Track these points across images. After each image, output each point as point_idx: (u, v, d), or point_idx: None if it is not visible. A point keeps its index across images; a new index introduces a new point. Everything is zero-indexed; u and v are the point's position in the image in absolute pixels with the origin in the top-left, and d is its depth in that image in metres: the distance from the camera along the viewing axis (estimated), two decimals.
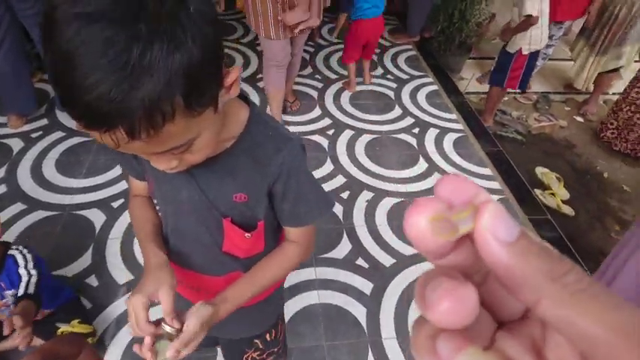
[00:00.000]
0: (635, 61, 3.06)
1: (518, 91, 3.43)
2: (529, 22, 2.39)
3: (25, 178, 2.08)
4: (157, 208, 0.83)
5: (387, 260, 1.90)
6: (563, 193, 2.47)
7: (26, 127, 2.36)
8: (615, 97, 2.97)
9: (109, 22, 0.38)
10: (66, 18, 0.38)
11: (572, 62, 3.37)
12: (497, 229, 0.15)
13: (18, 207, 1.95)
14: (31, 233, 1.84)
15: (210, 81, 0.48)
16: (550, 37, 3.05)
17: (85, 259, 1.79)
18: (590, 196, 2.62)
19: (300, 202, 0.71)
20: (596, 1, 2.84)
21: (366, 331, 1.65)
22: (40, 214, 1.93)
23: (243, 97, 0.69)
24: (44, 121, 2.41)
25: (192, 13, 0.42)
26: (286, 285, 1.76)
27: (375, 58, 3.27)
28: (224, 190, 0.68)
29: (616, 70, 3.08)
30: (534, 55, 2.66)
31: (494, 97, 2.82)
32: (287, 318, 1.66)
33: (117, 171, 2.18)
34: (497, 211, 0.16)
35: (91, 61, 0.38)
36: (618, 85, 3.25)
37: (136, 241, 1.86)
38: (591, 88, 3.28)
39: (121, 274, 1.74)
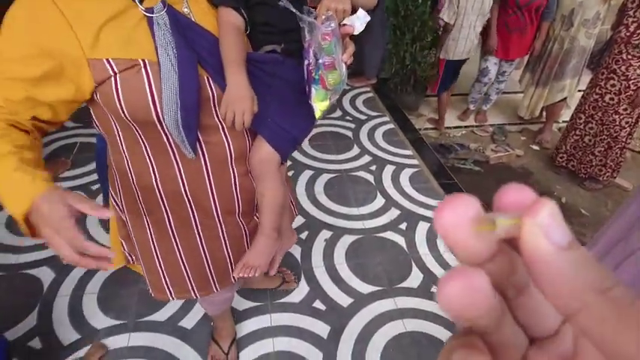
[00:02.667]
0: (579, 91, 3.23)
1: (475, 123, 3.59)
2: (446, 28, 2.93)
3: None
4: None
5: (344, 300, 1.87)
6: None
7: None
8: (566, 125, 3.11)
9: None
10: None
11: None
12: (552, 231, 0.15)
13: None
14: None
15: None
16: (502, 74, 3.25)
17: (30, 321, 1.71)
18: None
19: None
20: (540, 38, 3.04)
21: None
22: None
23: None
24: None
25: None
26: (241, 334, 1.71)
27: (334, 101, 3.38)
28: None
29: (563, 100, 3.24)
30: (451, 64, 3.11)
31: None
32: None
33: None
34: (554, 211, 0.15)
35: None
36: (568, 114, 3.41)
37: (85, 297, 1.81)
38: (537, 114, 3.43)
39: (66, 334, 1.67)
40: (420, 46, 3.20)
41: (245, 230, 1.08)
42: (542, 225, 0.15)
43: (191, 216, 0.98)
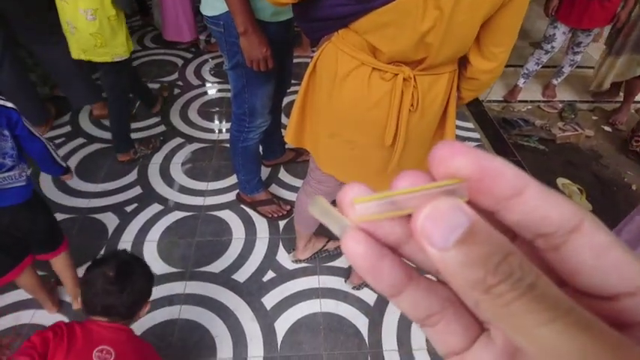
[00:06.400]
0: None
1: (543, 99, 3.34)
2: None
3: (45, 182, 2.18)
4: None
5: None
6: (585, 205, 2.35)
7: (50, 134, 2.47)
8: None
9: None
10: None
11: None
12: (431, 234, 0.14)
13: None
14: None
15: None
16: (578, 44, 2.96)
17: None
18: (616, 208, 2.48)
19: None
20: (627, 6, 2.71)
21: (367, 342, 1.61)
22: (58, 217, 2.00)
23: None
24: (67, 128, 2.52)
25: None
26: (289, 292, 1.76)
27: None
28: None
29: None
30: None
31: None
32: (288, 325, 1.65)
33: (132, 176, 2.24)
34: (434, 212, 0.14)
35: None
36: None
37: (145, 245, 1.91)
38: (605, 87, 3.10)
39: None
40: None
41: None
42: (421, 231, 0.14)
43: None
